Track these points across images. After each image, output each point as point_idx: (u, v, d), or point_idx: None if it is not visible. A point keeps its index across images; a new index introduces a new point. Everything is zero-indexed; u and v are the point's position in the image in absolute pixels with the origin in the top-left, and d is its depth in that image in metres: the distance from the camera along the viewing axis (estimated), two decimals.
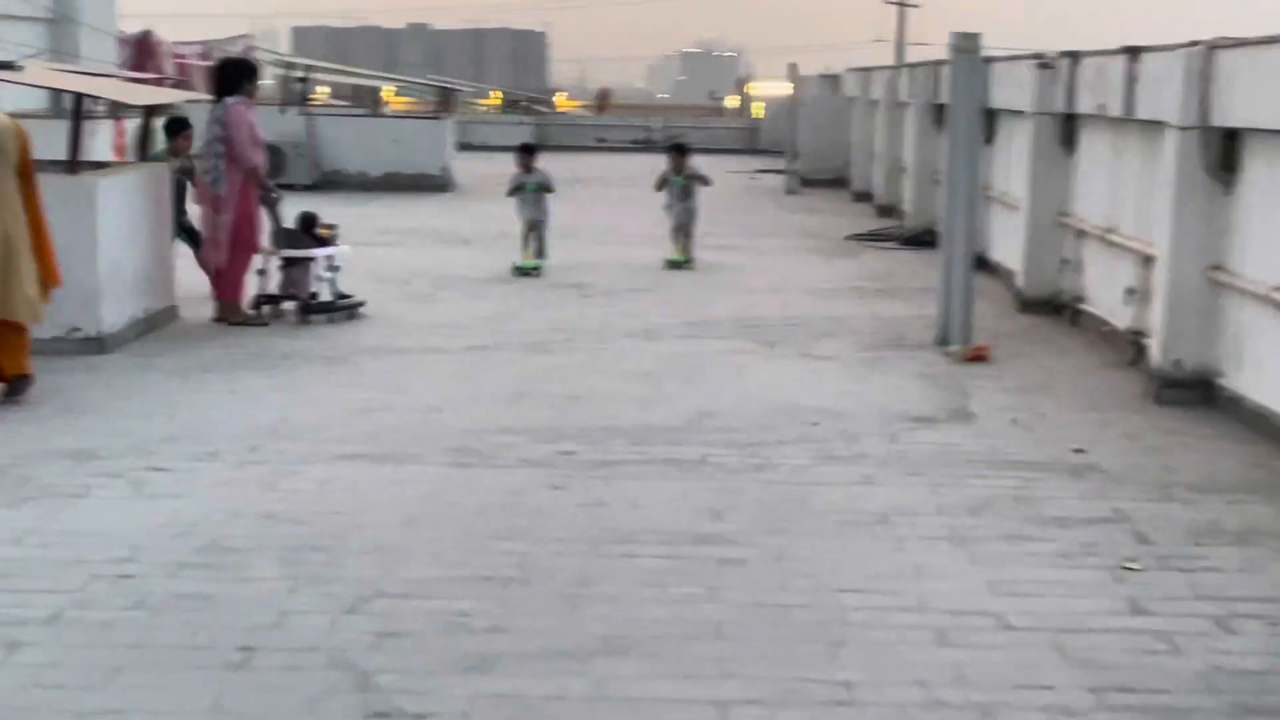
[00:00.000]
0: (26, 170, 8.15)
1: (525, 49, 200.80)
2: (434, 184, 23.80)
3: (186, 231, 11.59)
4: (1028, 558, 5.68)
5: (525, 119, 40.88)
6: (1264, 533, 6.03)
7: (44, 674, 4.46)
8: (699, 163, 15.35)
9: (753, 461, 7.07)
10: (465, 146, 30.08)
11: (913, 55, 48.01)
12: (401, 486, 6.57)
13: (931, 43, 49.95)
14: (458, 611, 5.00)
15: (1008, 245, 13.06)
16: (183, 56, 35.90)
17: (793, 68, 26.23)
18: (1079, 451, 7.31)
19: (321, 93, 38.47)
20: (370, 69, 50.87)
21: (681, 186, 14.70)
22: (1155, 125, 9.02)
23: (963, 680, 4.48)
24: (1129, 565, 5.56)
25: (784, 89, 29.36)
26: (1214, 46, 8.15)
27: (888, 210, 20.29)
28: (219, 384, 8.69)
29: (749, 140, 37.68)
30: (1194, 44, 8.39)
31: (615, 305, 11.98)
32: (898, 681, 4.47)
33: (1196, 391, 8.40)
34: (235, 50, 43.48)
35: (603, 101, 46.01)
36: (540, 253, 13.83)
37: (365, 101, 36.93)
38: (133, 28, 28.70)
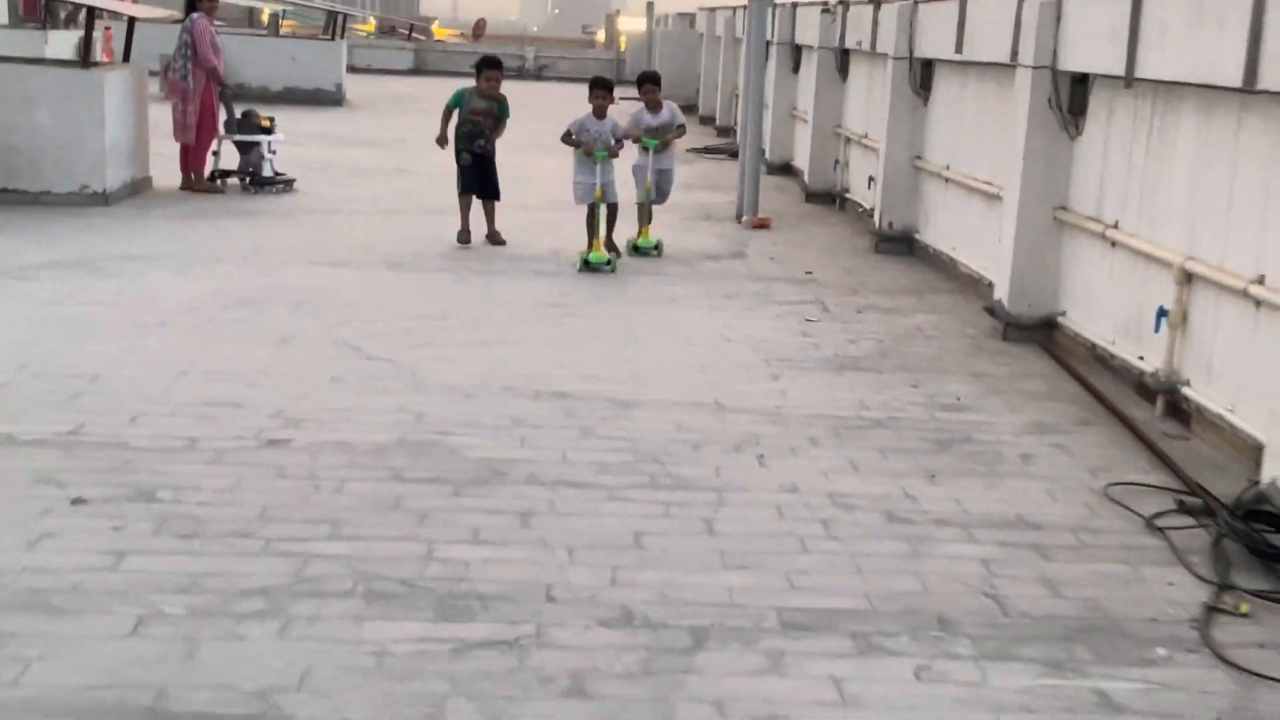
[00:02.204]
0: None
1: None
2: (329, 99, 26.75)
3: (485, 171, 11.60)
4: (751, 317, 9.27)
5: (406, 45, 43.66)
6: (904, 310, 9.71)
7: (169, 344, 7.76)
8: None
9: (589, 273, 10.54)
10: (348, 68, 32.90)
11: None
12: (356, 279, 9.93)
13: None
14: (405, 328, 8.41)
15: (802, 151, 16.69)
16: None
17: (650, 6, 29.59)
18: (808, 273, 10.95)
19: None
20: None
21: (657, 147, 11.45)
22: (886, 56, 12.63)
23: (698, 359, 8.03)
24: (809, 319, 9.18)
25: (645, 24, 32.76)
26: (917, 1, 11.76)
27: (725, 131, 23.89)
28: (205, 225, 11.92)
29: (614, 70, 40.88)
30: None
31: None
32: (657, 355, 8.00)
33: (902, 244, 12.09)
34: None
35: (478, 31, 48.72)
36: (610, 238, 10.94)
37: (255, 24, 39.33)
38: None
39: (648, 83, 11.70)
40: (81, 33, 20.02)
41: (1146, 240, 7.53)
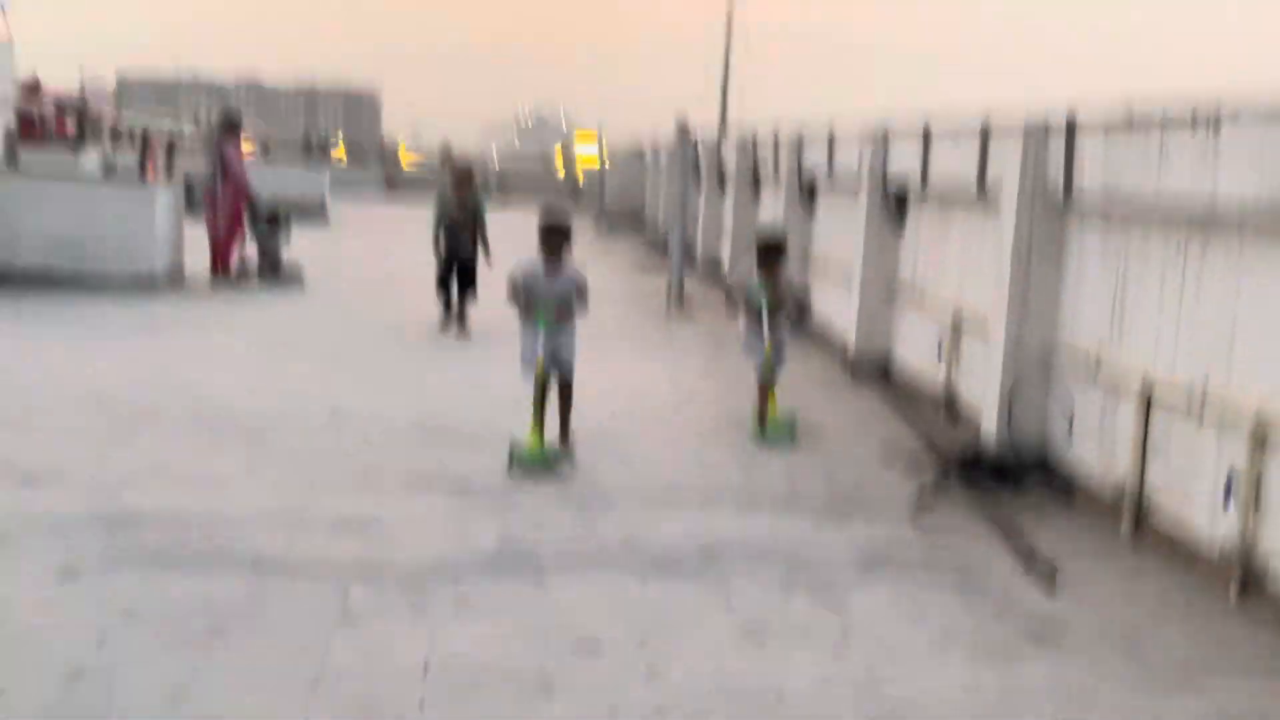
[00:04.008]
0: None
1: (357, 107, 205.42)
2: (316, 215, 29.94)
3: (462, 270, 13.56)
4: (668, 362, 12.32)
5: (377, 172, 47.17)
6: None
7: (242, 367, 10.71)
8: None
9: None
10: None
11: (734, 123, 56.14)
12: (366, 335, 12.94)
13: (749, 114, 57.77)
14: (409, 364, 11.42)
15: (725, 254, 19.95)
16: (62, 101, 41.65)
17: (600, 135, 33.15)
18: (716, 337, 14.08)
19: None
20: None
21: (772, 311, 9.53)
22: (782, 179, 15.90)
23: (625, 381, 11.06)
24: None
25: (598, 151, 36.35)
26: (804, 135, 15.08)
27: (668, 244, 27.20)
28: (240, 303, 15.01)
29: (572, 192, 44.66)
30: (797, 134, 15.33)
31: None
32: (599, 379, 11.00)
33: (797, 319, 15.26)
34: (105, 96, 49.96)
35: (445, 156, 52.33)
36: (564, 429, 8.42)
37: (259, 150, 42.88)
38: None
39: (771, 252, 9.68)
40: (103, 153, 23.34)
41: (936, 301, 10.70)
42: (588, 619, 5.47)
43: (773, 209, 17.47)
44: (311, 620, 5.30)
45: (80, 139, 28.97)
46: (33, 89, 40.04)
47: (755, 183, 18.60)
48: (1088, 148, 7.78)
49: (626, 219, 32.98)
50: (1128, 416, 7.30)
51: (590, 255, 25.06)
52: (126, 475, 7.35)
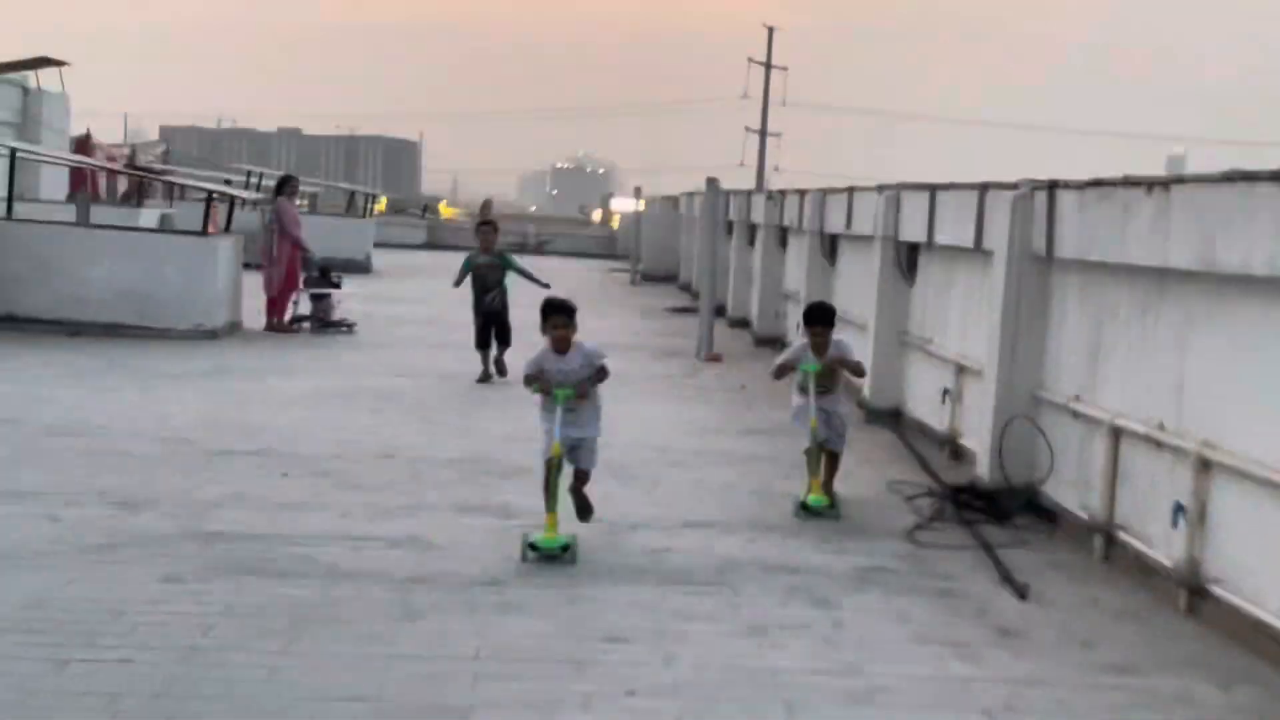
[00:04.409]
0: None
1: (398, 157, 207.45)
2: (360, 267, 31.13)
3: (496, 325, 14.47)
4: (691, 410, 13.24)
5: (419, 222, 48.54)
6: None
7: (299, 412, 11.70)
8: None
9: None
10: None
11: (772, 179, 57.48)
12: (414, 383, 13.95)
13: (786, 170, 58.96)
14: (455, 408, 12.38)
15: (754, 306, 20.89)
16: (112, 155, 43.22)
17: (638, 190, 34.28)
18: (742, 387, 14.98)
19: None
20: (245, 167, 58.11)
21: (821, 378, 9.12)
22: (806, 232, 16.87)
23: (655, 427, 11.98)
24: (744, 387, 13.15)
25: (634, 205, 37.44)
26: (826, 192, 16.04)
27: (699, 295, 28.16)
28: (295, 352, 16.05)
29: (608, 246, 45.82)
30: (820, 190, 16.28)
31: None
32: (629, 425, 11.92)
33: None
34: (156, 150, 51.95)
35: (485, 211, 53.61)
36: (579, 504, 8.05)
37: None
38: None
39: (816, 323, 9.25)
40: (162, 210, 24.60)
41: (941, 349, 11.58)
42: (614, 618, 6.37)
43: (796, 263, 18.43)
44: (379, 617, 6.22)
45: (138, 194, 30.33)
46: (85, 144, 41.69)
47: (782, 238, 19.58)
48: (1064, 209, 8.68)
49: (661, 270, 34.04)
50: (1100, 452, 8.16)
51: (625, 304, 26.21)
52: (211, 502, 8.33)
